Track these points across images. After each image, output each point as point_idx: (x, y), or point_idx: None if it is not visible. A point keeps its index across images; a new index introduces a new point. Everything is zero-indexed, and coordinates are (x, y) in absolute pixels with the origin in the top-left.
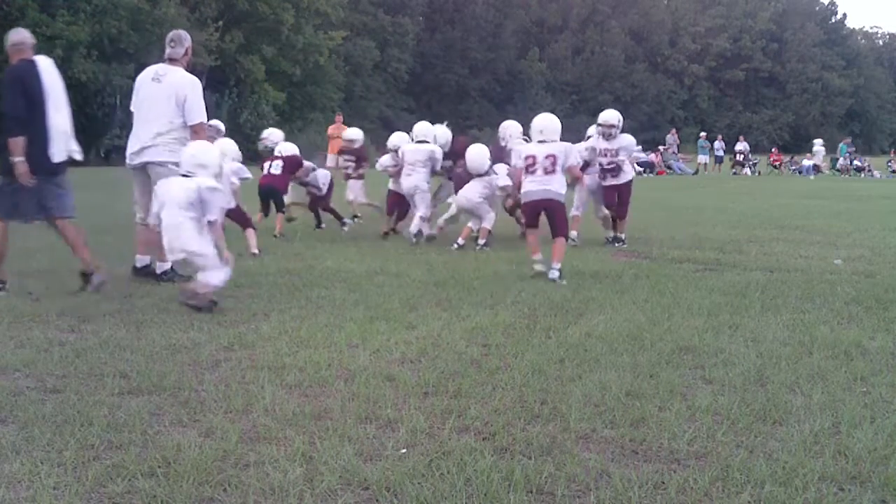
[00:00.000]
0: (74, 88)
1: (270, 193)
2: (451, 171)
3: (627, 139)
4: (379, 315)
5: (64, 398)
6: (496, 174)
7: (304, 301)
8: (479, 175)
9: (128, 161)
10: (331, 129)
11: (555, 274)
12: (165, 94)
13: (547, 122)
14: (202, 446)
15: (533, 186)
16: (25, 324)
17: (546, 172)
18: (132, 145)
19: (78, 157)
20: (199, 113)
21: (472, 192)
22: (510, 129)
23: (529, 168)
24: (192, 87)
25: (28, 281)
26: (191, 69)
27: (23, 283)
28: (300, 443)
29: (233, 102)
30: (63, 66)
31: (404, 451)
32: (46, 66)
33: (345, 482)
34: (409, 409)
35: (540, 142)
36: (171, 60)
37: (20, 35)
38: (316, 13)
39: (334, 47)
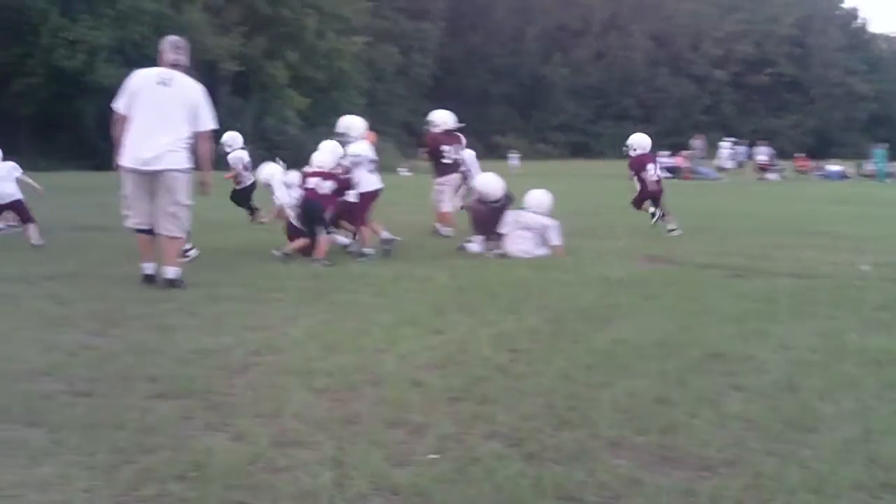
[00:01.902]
0: (97, 93)
1: (315, 211)
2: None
3: None
4: (405, 320)
5: (94, 402)
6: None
7: (330, 305)
8: (494, 202)
9: (134, 166)
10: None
11: None
12: (179, 101)
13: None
14: (232, 450)
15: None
16: (54, 328)
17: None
18: (141, 150)
19: None
20: (212, 120)
21: (525, 244)
22: None
23: None
24: (203, 94)
25: (56, 285)
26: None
27: (51, 287)
28: (329, 447)
29: (256, 108)
30: (86, 71)
31: (435, 456)
32: None
33: (374, 487)
34: (437, 414)
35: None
36: (176, 66)
37: None
38: (338, 18)
39: (356, 52)
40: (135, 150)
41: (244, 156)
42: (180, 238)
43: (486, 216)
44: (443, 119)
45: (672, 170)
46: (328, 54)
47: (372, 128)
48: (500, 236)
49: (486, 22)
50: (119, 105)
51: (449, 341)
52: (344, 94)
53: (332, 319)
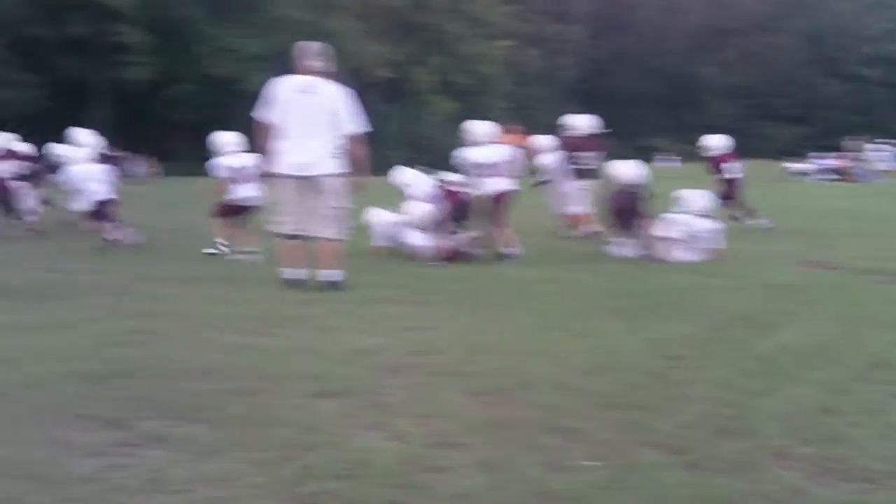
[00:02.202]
0: (248, 100)
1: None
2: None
3: None
4: (554, 323)
5: (257, 400)
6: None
7: (480, 308)
8: (630, 190)
9: (291, 172)
10: (508, 138)
11: None
12: (323, 108)
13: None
14: (389, 450)
15: None
16: (216, 328)
17: None
18: (297, 157)
19: None
20: (361, 123)
21: (679, 248)
22: None
23: None
24: (348, 98)
25: (218, 288)
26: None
27: (213, 289)
28: (483, 450)
29: (404, 114)
30: (237, 79)
31: (592, 463)
32: None
33: (531, 492)
34: (592, 420)
35: None
36: (316, 72)
37: None
38: (483, 23)
39: (501, 56)
40: (290, 157)
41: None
42: (340, 241)
43: (622, 204)
44: (581, 123)
45: (838, 171)
46: (473, 59)
47: (515, 131)
48: (638, 229)
49: (632, 22)
50: (263, 114)
51: (600, 346)
52: (488, 98)
53: (482, 322)
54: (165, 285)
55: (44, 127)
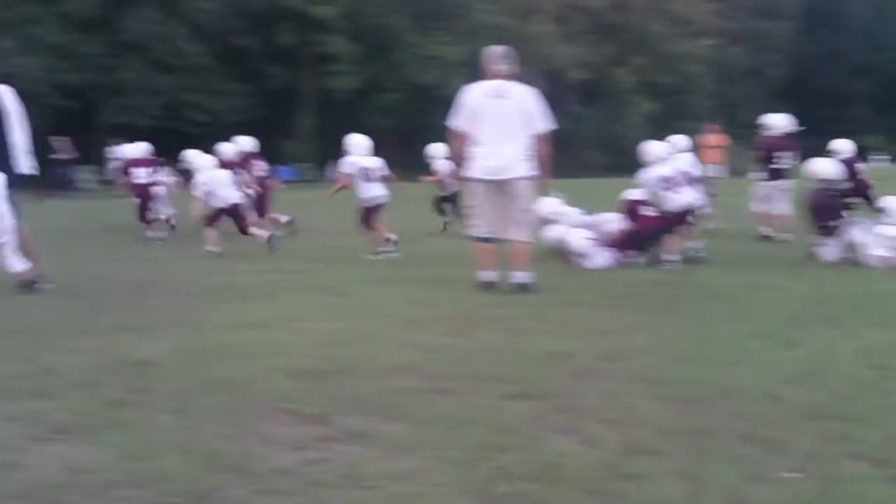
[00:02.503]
0: (449, 106)
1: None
2: None
3: None
4: (757, 331)
5: (450, 399)
6: None
7: (676, 314)
8: (832, 188)
9: (484, 176)
10: (708, 139)
11: None
12: (516, 111)
13: None
14: (582, 455)
15: None
16: (413, 328)
17: None
18: (490, 161)
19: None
20: (548, 122)
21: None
22: None
23: None
24: (537, 98)
25: (416, 289)
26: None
27: (410, 290)
28: (680, 459)
29: (601, 115)
30: (439, 86)
31: (796, 475)
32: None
33: (729, 503)
34: (796, 431)
35: None
36: (505, 76)
37: None
38: (685, 22)
39: (703, 55)
40: (484, 161)
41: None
42: (530, 243)
43: (821, 202)
44: (778, 123)
45: None
46: (676, 58)
47: (714, 131)
48: (837, 229)
49: (842, 19)
50: (457, 122)
51: (807, 355)
52: (692, 97)
53: (679, 328)
54: (368, 286)
55: (255, 135)
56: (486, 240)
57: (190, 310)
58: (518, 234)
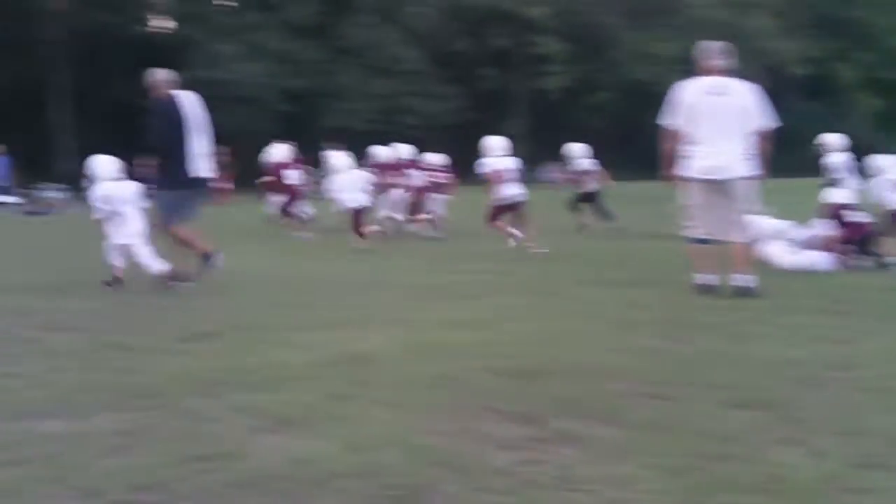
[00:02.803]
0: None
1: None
2: None
3: None
4: None
5: (667, 405)
6: None
7: None
8: None
9: (703, 176)
10: None
11: None
12: (735, 109)
13: None
14: (808, 467)
15: None
16: (628, 331)
17: None
18: (709, 160)
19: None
20: (768, 119)
21: None
22: None
23: None
24: (757, 94)
25: (632, 291)
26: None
27: (627, 292)
28: None
29: (824, 111)
30: (656, 83)
31: None
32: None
33: None
34: None
35: None
36: (723, 72)
37: (156, 76)
38: None
39: None
40: (702, 161)
41: (584, 163)
42: (751, 245)
43: None
44: None
45: None
46: None
47: None
48: None
49: None
50: (672, 120)
51: None
52: None
53: None
54: (575, 287)
55: (466, 137)
56: (703, 241)
57: (397, 307)
58: (738, 236)
